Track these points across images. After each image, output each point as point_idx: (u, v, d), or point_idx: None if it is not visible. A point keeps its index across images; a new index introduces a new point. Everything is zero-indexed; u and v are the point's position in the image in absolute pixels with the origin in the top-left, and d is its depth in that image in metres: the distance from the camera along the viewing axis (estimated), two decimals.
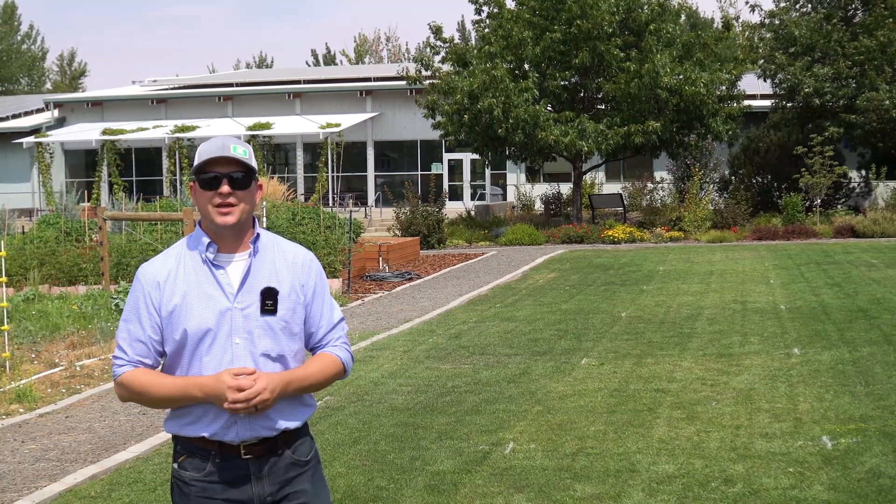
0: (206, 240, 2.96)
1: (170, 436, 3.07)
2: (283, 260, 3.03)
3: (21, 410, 7.99)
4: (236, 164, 2.94)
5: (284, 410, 2.96)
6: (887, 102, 26.33)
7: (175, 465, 3.00)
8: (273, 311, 2.93)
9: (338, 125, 35.61)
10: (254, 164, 2.98)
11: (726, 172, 30.81)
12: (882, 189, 29.79)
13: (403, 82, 29.10)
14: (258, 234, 3.01)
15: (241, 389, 2.81)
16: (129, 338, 2.95)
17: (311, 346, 3.11)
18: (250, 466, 2.93)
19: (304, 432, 3.06)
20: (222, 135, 3.06)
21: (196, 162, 2.95)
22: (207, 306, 2.91)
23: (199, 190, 2.95)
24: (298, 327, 3.01)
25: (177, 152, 37.60)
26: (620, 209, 29.78)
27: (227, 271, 2.95)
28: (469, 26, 56.71)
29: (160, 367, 3.03)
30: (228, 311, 2.91)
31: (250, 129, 36.17)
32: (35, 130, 40.44)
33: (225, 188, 2.91)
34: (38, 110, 43.88)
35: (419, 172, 37.77)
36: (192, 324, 2.89)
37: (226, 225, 2.92)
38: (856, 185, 30.52)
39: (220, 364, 2.89)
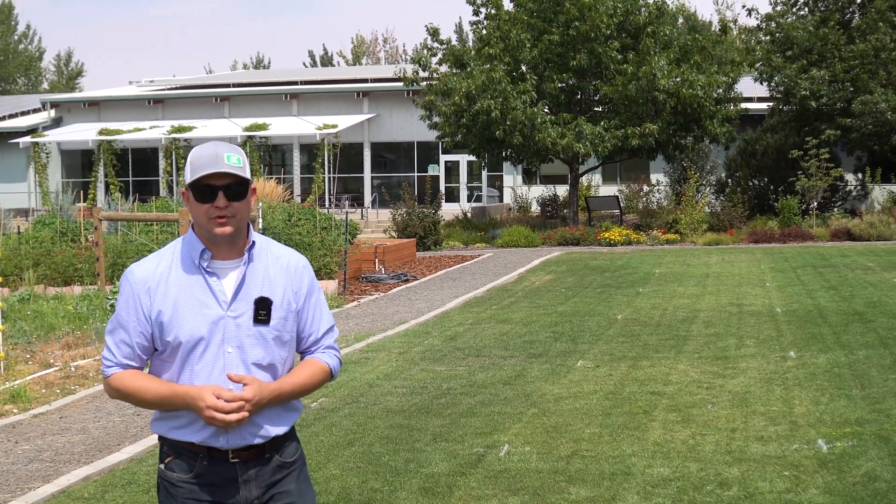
0: (200, 246, 2.92)
1: None
2: (277, 266, 2.99)
3: (15, 411, 7.96)
4: (231, 177, 2.87)
5: (273, 417, 2.95)
6: (883, 105, 26.37)
7: (161, 466, 2.98)
8: (266, 321, 2.90)
9: (335, 126, 35.60)
10: (248, 173, 2.91)
11: (723, 175, 30.82)
12: (878, 192, 29.83)
13: (400, 84, 29.09)
14: (253, 242, 2.97)
15: (219, 410, 2.78)
16: (117, 340, 2.93)
17: (302, 350, 3.10)
18: (238, 470, 2.92)
19: (290, 435, 3.05)
20: (214, 141, 2.93)
21: (189, 173, 2.87)
22: (200, 314, 2.87)
23: (194, 201, 2.89)
24: (289, 335, 2.99)
25: (173, 153, 37.57)
26: (617, 211, 29.78)
27: (220, 279, 2.92)
28: (467, 27, 56.86)
29: (147, 367, 3.01)
30: (221, 320, 2.88)
31: (247, 129, 36.14)
32: (32, 130, 40.40)
33: (221, 202, 2.85)
34: (35, 110, 43.82)
35: (416, 174, 37.75)
36: (184, 332, 2.86)
37: (223, 235, 2.88)
38: (852, 188, 30.55)
39: (212, 372, 2.87)
